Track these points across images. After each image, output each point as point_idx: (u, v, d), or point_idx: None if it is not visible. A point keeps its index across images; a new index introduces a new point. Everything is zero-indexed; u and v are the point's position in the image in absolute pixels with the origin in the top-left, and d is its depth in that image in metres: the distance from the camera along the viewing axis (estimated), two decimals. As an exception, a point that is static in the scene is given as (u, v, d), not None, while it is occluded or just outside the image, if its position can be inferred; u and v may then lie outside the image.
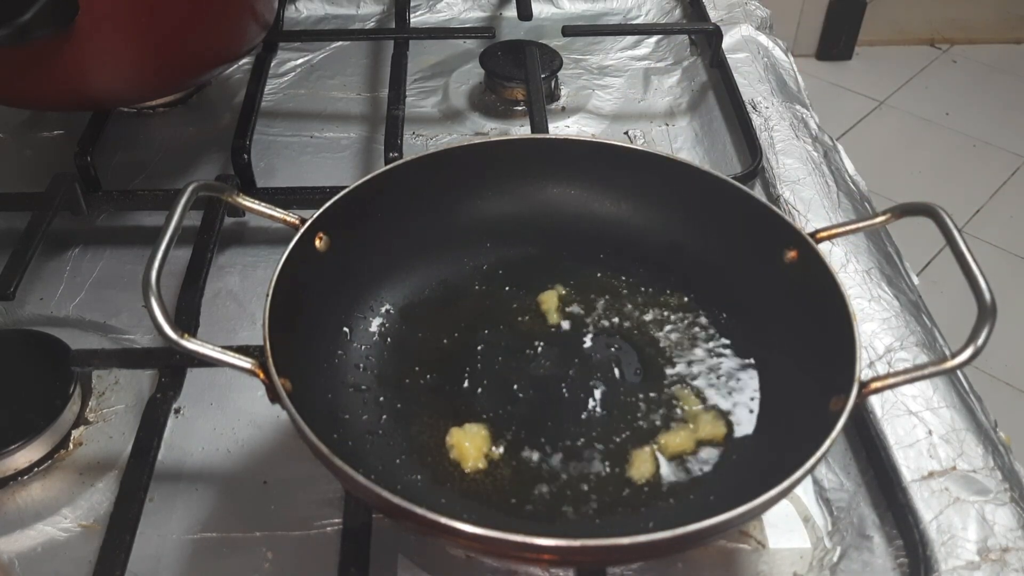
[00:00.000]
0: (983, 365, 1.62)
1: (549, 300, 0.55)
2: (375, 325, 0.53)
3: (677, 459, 0.47)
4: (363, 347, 0.52)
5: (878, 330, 0.58)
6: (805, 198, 0.67)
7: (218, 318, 0.60)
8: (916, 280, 0.63)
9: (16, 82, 0.61)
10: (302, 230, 0.49)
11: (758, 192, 0.64)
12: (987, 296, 0.42)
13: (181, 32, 0.63)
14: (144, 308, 0.41)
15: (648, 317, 0.54)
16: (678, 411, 0.49)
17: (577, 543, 0.38)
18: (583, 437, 0.48)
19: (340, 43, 0.87)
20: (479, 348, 0.53)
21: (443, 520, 0.37)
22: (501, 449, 0.48)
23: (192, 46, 0.64)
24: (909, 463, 0.50)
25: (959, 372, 0.55)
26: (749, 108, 0.74)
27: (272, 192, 0.67)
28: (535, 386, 0.51)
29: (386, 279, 0.55)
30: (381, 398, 0.50)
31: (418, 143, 0.76)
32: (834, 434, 0.40)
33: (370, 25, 0.89)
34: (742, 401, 0.50)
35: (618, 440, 0.48)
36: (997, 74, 2.43)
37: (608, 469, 0.47)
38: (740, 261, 0.54)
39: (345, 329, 0.52)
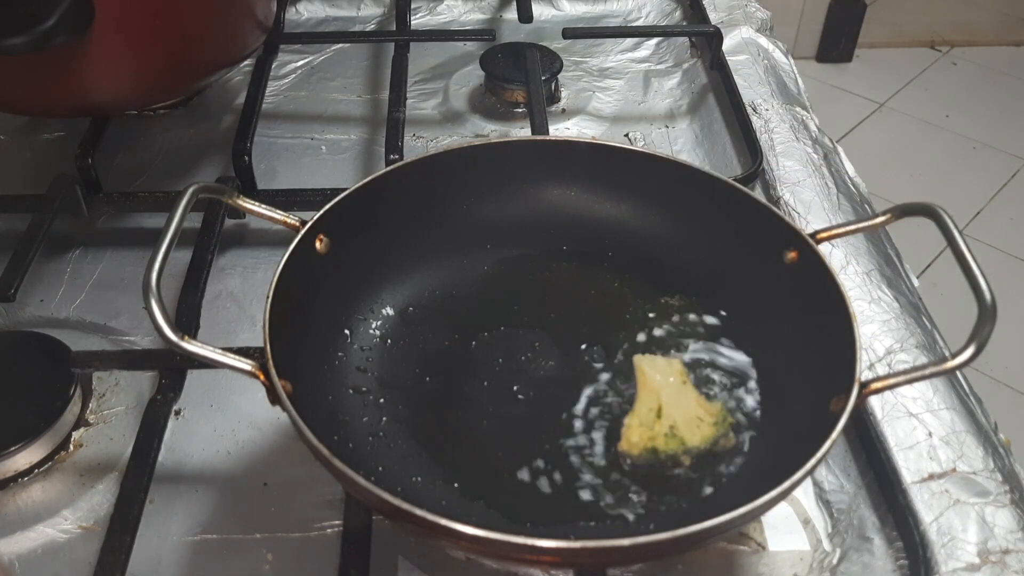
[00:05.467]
0: (983, 367, 1.62)
1: None
2: (375, 327, 0.53)
3: (677, 460, 0.47)
4: (364, 349, 0.52)
5: (878, 332, 0.58)
6: (805, 200, 0.67)
7: (218, 320, 0.60)
8: (916, 282, 0.63)
9: (25, 90, 0.61)
10: (302, 232, 0.49)
11: (758, 194, 0.64)
12: (987, 296, 0.42)
13: (188, 36, 0.63)
14: (144, 310, 0.41)
15: (648, 318, 0.54)
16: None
17: (577, 544, 0.38)
18: (584, 439, 0.48)
19: (341, 45, 0.87)
20: (479, 350, 0.53)
21: (443, 522, 0.37)
22: (501, 452, 0.48)
23: (197, 50, 0.65)
24: (909, 465, 0.50)
25: (959, 374, 0.55)
26: (749, 110, 0.74)
27: (273, 194, 0.67)
28: (535, 388, 0.51)
29: (387, 281, 0.55)
30: (381, 400, 0.50)
31: (418, 145, 0.76)
32: (834, 435, 0.40)
33: (371, 27, 0.90)
34: (742, 402, 0.50)
35: (619, 441, 0.48)
36: (997, 76, 2.43)
37: (609, 470, 0.47)
38: (740, 262, 0.54)
39: (346, 331, 0.52)
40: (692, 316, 0.54)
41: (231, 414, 0.54)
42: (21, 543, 0.48)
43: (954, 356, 0.42)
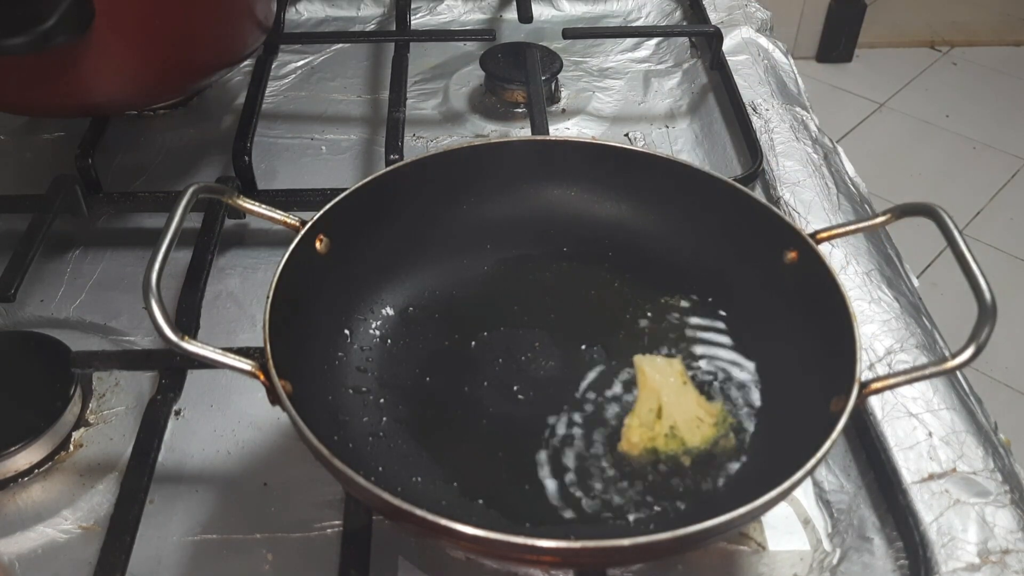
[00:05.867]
0: (983, 367, 1.62)
1: None
2: (375, 327, 0.53)
3: (677, 460, 0.47)
4: (363, 349, 0.52)
5: (878, 332, 0.58)
6: (805, 200, 0.67)
7: (218, 320, 0.60)
8: (916, 282, 0.63)
9: (25, 90, 0.61)
10: (302, 232, 0.49)
11: (758, 194, 0.64)
12: (987, 296, 0.42)
13: (188, 36, 0.63)
14: (144, 310, 0.41)
15: (649, 318, 0.54)
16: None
17: (577, 545, 0.38)
18: (584, 439, 0.48)
19: (341, 45, 0.87)
20: (479, 350, 0.53)
21: (443, 522, 0.37)
22: (501, 452, 0.48)
23: (197, 50, 0.65)
24: (909, 465, 0.50)
25: (959, 374, 0.55)
26: (749, 110, 0.74)
27: (273, 194, 0.67)
28: (535, 388, 0.51)
29: (387, 281, 0.55)
30: (381, 400, 0.50)
31: (418, 145, 0.76)
32: (834, 435, 0.40)
33: (371, 27, 0.90)
34: (742, 402, 0.50)
35: (619, 441, 0.48)
36: (997, 76, 2.43)
37: (609, 471, 0.47)
38: (740, 262, 0.54)
39: (346, 331, 0.52)
40: (692, 316, 0.54)
41: (231, 414, 0.54)
42: (21, 543, 0.48)
43: (954, 356, 0.42)
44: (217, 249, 0.62)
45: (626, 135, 0.77)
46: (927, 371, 0.43)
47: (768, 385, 0.50)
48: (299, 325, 0.48)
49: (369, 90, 0.82)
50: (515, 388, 0.51)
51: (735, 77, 0.78)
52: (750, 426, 0.49)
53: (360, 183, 0.53)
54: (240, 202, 0.49)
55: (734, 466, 0.47)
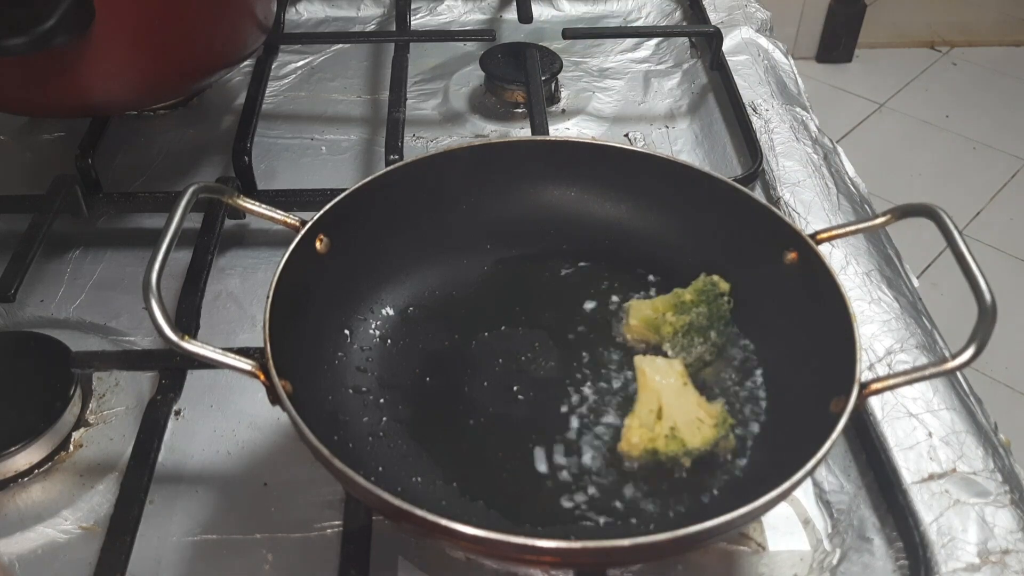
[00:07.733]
0: (983, 367, 1.62)
1: None
2: (375, 327, 0.53)
3: (677, 461, 0.47)
4: (363, 349, 0.52)
5: (878, 332, 0.58)
6: (805, 200, 0.67)
7: (218, 320, 0.60)
8: (916, 282, 0.63)
9: (25, 91, 0.61)
10: (302, 232, 0.49)
11: (758, 194, 0.64)
12: (987, 296, 0.42)
13: (188, 37, 0.63)
14: (144, 310, 0.41)
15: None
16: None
17: (577, 545, 0.38)
18: (584, 439, 0.48)
19: (341, 45, 0.87)
20: (479, 350, 0.53)
21: (443, 522, 0.37)
22: (501, 452, 0.48)
23: (197, 50, 0.65)
24: (909, 465, 0.50)
25: (959, 374, 0.55)
26: (749, 110, 0.74)
27: (273, 194, 0.67)
28: (535, 388, 0.51)
29: (387, 281, 0.55)
30: (381, 400, 0.50)
31: (418, 145, 0.76)
32: (834, 436, 0.40)
33: (371, 27, 0.90)
34: (742, 403, 0.50)
35: (619, 442, 0.48)
36: (997, 76, 2.43)
37: (609, 471, 0.47)
38: (740, 263, 0.54)
39: (346, 331, 0.52)
40: (692, 316, 0.54)
41: (231, 414, 0.54)
42: (21, 543, 0.48)
43: (954, 357, 0.42)
44: (217, 249, 0.62)
45: (626, 135, 0.77)
46: (927, 371, 0.43)
47: (768, 386, 0.50)
48: (299, 325, 0.48)
49: (369, 90, 0.82)
50: (515, 388, 0.51)
51: (735, 77, 0.78)
52: (750, 427, 0.49)
53: (360, 183, 0.53)
54: (240, 202, 0.49)
55: (734, 467, 0.47)
